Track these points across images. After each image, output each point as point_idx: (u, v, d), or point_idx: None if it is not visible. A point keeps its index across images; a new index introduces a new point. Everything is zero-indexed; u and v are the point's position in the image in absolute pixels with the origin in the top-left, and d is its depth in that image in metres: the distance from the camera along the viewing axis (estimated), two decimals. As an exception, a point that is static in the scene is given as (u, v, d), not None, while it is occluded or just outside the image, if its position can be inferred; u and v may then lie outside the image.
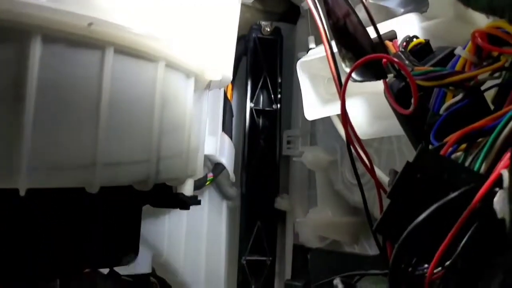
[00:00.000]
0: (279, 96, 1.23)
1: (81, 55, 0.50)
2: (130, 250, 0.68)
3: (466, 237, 0.38)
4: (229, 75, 0.71)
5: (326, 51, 0.54)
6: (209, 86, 0.69)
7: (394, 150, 0.86)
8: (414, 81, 0.48)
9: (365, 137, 0.77)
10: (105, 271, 0.82)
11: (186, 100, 0.63)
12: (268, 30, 1.19)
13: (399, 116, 0.56)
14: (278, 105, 1.23)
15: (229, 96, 1.15)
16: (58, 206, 0.59)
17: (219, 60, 0.67)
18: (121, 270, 0.85)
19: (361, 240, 1.00)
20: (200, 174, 0.69)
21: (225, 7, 0.70)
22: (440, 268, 0.40)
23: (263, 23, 1.20)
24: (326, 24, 0.56)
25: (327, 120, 0.95)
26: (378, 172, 0.79)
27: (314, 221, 1.03)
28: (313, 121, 1.07)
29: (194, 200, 0.70)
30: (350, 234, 1.00)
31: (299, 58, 0.93)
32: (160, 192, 0.66)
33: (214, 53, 0.66)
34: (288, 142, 1.22)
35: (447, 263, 0.39)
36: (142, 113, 0.56)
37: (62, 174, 0.50)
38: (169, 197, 0.69)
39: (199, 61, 0.64)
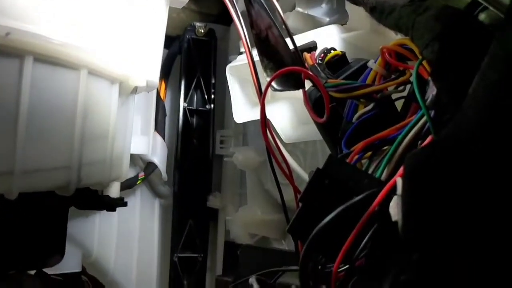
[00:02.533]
0: (212, 96, 1.25)
1: (-1, 64, 0.50)
2: (56, 251, 0.68)
3: (366, 237, 0.42)
4: (156, 80, 0.72)
5: (248, 61, 0.57)
6: (135, 91, 0.70)
7: (317, 151, 0.90)
8: (327, 93, 0.52)
9: (290, 141, 0.81)
10: (32, 271, 0.82)
11: (110, 106, 0.64)
12: (202, 31, 1.20)
13: (316, 123, 0.60)
14: (212, 105, 1.25)
15: (162, 95, 1.16)
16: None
17: (144, 66, 0.68)
18: (50, 269, 0.84)
19: (288, 237, 1.04)
20: (125, 177, 0.70)
21: (151, 13, 0.70)
22: (345, 266, 0.44)
23: (197, 24, 1.21)
24: (249, 35, 0.59)
25: (258, 121, 0.98)
26: (302, 173, 0.83)
27: (244, 219, 1.06)
28: (245, 122, 1.10)
29: (120, 202, 0.71)
30: (278, 231, 1.04)
31: (231, 61, 0.95)
32: (85, 195, 0.67)
33: (139, 59, 0.66)
34: (221, 142, 1.24)
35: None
36: (64, 121, 0.56)
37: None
38: (94, 200, 0.70)
39: (124, 67, 0.64)
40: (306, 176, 0.81)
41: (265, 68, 0.58)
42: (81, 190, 0.59)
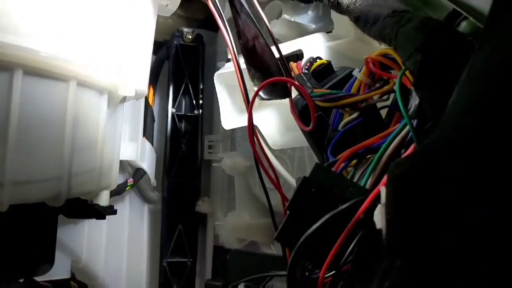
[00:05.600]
0: (200, 101, 1.25)
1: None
2: (45, 260, 0.68)
3: (352, 245, 0.43)
4: (144, 88, 0.72)
5: (236, 71, 0.58)
6: (124, 100, 0.70)
7: (304, 156, 0.91)
8: (313, 102, 0.53)
9: (277, 147, 0.82)
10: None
11: (99, 117, 0.64)
12: (190, 37, 1.21)
13: (303, 131, 0.61)
14: (200, 111, 1.25)
15: (150, 101, 1.16)
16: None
17: (133, 75, 0.68)
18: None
19: (276, 241, 1.04)
20: (114, 185, 0.70)
21: (139, 23, 0.71)
22: (331, 272, 0.45)
23: (185, 30, 1.21)
24: (236, 44, 0.59)
25: (246, 126, 0.99)
26: (289, 178, 0.84)
27: (232, 224, 1.07)
28: (233, 127, 1.11)
29: (109, 210, 0.72)
30: (266, 235, 1.05)
31: (219, 68, 0.96)
32: (74, 204, 0.67)
33: (128, 69, 0.67)
34: (210, 147, 1.25)
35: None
36: (53, 132, 0.56)
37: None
38: (84, 208, 0.70)
39: (112, 78, 0.64)
40: (293, 181, 0.82)
41: (252, 78, 0.59)
42: (71, 199, 0.59)
